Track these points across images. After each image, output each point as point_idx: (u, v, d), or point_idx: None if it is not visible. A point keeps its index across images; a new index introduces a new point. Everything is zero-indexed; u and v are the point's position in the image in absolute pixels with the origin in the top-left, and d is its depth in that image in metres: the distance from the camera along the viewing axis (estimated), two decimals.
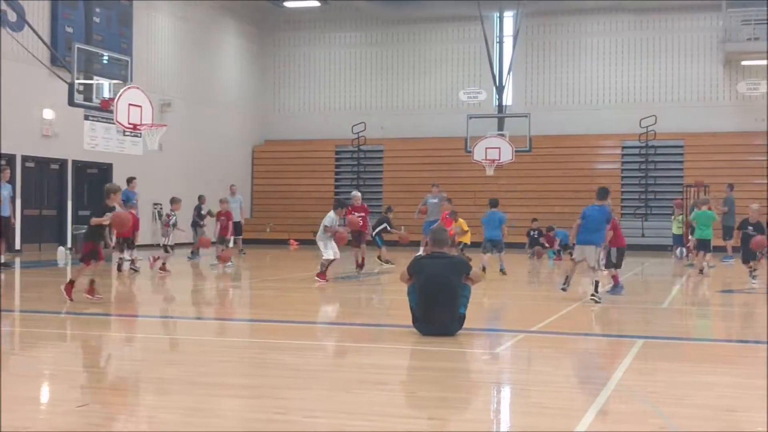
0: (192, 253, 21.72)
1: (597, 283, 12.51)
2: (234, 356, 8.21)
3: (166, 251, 17.72)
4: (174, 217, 18.17)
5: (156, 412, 5.95)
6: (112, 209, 11.92)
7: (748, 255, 16.35)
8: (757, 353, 8.85)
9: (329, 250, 15.53)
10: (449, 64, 33.82)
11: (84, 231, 12.40)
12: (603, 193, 13.18)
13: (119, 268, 17.09)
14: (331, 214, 15.78)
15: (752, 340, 9.76)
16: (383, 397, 6.35)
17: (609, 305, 12.41)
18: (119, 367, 7.83)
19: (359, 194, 19.09)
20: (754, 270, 16.11)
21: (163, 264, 17.48)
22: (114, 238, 18.70)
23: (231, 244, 20.35)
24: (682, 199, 25.34)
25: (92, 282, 11.73)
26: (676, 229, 23.84)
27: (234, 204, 22.91)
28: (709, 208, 18.26)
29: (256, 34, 35.18)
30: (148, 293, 14.00)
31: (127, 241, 17.12)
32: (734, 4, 30.01)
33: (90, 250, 11.73)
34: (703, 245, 17.70)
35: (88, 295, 11.59)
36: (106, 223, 11.84)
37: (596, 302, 12.19)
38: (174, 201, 18.47)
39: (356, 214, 17.71)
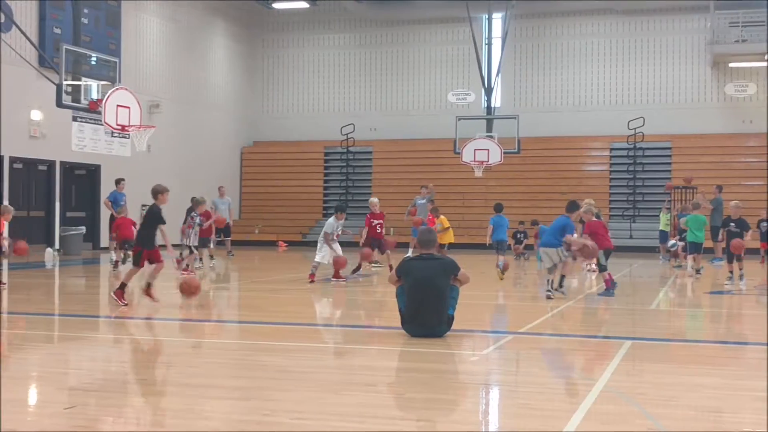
0: (181, 254, 21.66)
1: (563, 277, 13.34)
2: (222, 358, 8.19)
3: (191, 252, 17.75)
4: (197, 218, 18.12)
5: (144, 413, 5.94)
6: (159, 211, 12.06)
7: (732, 256, 16.42)
8: (744, 354, 8.90)
9: (323, 254, 15.59)
10: (438, 65, 33.87)
11: (138, 236, 12.59)
12: (571, 206, 13.83)
13: (116, 267, 17.25)
14: (331, 220, 15.82)
15: (740, 341, 9.81)
16: (372, 398, 6.35)
17: (597, 306, 12.46)
18: (107, 369, 7.80)
19: (377, 201, 17.84)
20: (740, 270, 16.20)
21: (187, 266, 17.46)
22: (115, 239, 18.78)
23: (212, 245, 20.30)
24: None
25: (149, 285, 12.00)
26: (663, 225, 23.82)
27: (223, 205, 22.89)
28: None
29: (245, 35, 35.14)
30: (137, 294, 13.94)
31: (129, 243, 17.13)
32: (722, 5, 30.15)
33: (148, 254, 11.98)
34: (694, 248, 17.75)
35: (148, 296, 11.97)
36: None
37: (562, 294, 13.10)
38: (199, 202, 18.32)
39: (374, 221, 17.02)
